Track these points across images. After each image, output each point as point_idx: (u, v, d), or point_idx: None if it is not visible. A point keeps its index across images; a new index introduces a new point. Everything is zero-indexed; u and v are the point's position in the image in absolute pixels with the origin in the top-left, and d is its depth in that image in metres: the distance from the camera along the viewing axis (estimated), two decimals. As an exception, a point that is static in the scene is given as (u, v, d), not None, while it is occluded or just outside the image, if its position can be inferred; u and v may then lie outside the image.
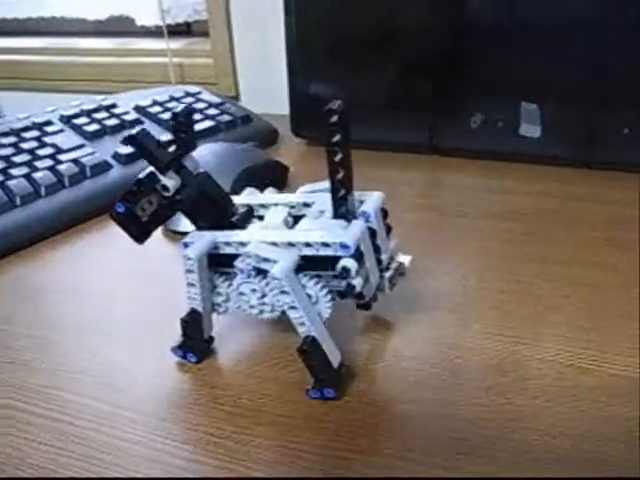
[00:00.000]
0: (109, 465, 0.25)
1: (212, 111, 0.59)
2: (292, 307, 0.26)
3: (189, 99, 0.61)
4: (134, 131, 0.27)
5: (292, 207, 0.30)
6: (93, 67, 0.83)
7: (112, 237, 0.44)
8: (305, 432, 0.26)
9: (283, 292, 0.25)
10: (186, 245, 0.29)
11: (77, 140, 0.52)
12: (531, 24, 0.49)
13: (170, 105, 0.59)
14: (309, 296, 0.26)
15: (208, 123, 0.56)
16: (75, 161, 0.49)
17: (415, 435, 0.25)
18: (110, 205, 0.47)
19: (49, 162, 0.48)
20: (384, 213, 0.28)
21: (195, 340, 0.30)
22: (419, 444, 0.25)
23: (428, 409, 0.27)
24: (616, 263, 0.37)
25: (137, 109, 0.58)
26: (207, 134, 0.55)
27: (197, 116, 0.57)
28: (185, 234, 0.43)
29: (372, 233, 0.27)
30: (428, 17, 0.52)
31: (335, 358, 0.27)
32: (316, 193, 0.30)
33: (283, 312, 0.27)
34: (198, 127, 0.55)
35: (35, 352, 0.32)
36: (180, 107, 0.28)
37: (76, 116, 0.56)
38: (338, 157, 0.25)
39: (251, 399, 0.28)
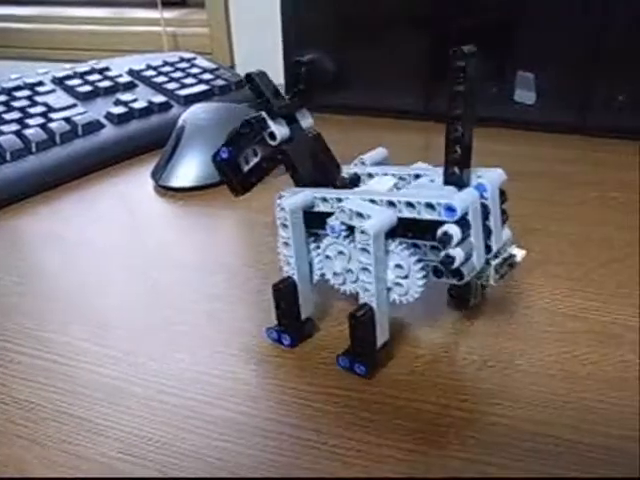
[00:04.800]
0: (95, 400, 0.25)
1: (206, 76, 0.58)
2: (365, 269, 0.23)
3: (184, 64, 0.60)
4: (253, 70, 0.26)
5: (402, 179, 0.27)
6: (86, 35, 0.82)
7: (104, 194, 0.43)
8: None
9: (364, 250, 0.23)
10: (280, 197, 0.26)
11: (69, 100, 0.52)
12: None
13: (164, 70, 0.59)
14: (400, 267, 0.23)
15: (202, 87, 0.56)
16: (67, 119, 0.48)
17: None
18: (102, 163, 0.48)
19: (40, 120, 0.48)
20: (502, 196, 0.25)
21: (290, 317, 0.27)
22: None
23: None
24: (603, 219, 0.37)
25: (131, 72, 0.58)
26: (201, 98, 0.54)
27: (191, 80, 0.57)
28: (178, 190, 0.43)
29: (485, 213, 0.24)
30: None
31: (382, 337, 0.25)
32: (432, 169, 0.27)
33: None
34: (192, 90, 0.55)
35: (24, 297, 0.32)
36: (305, 57, 0.27)
37: (68, 77, 0.55)
38: (458, 130, 0.22)
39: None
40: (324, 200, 0.26)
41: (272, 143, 0.27)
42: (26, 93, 0.52)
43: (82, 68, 0.57)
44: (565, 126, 0.50)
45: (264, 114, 0.26)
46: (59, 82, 0.55)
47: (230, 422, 0.23)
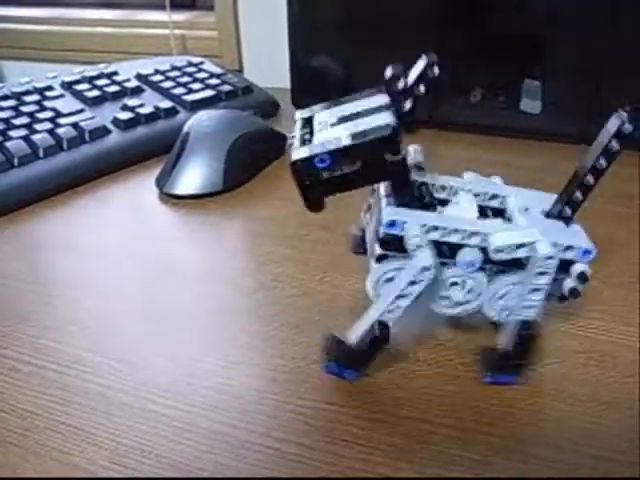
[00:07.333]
0: (89, 410, 0.25)
1: (213, 81, 0.58)
2: (537, 289, 0.25)
3: (191, 69, 0.61)
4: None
5: (476, 195, 0.27)
6: (96, 37, 0.83)
7: (110, 200, 0.44)
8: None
9: (543, 273, 0.24)
10: (393, 224, 0.23)
11: (77, 105, 0.52)
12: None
13: (172, 74, 0.59)
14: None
15: (209, 92, 0.56)
16: (74, 125, 0.49)
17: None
18: (108, 169, 0.49)
19: (48, 125, 0.48)
20: None
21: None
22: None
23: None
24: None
25: (139, 77, 0.58)
26: (207, 103, 0.55)
27: (198, 85, 0.57)
28: (181, 198, 0.43)
29: None
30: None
31: None
32: (498, 185, 0.28)
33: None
34: (198, 96, 0.55)
35: (26, 303, 0.32)
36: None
37: (77, 82, 0.56)
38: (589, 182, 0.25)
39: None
40: (455, 231, 0.24)
41: (390, 157, 0.22)
42: (35, 98, 0.52)
43: (91, 72, 0.58)
44: (571, 136, 0.50)
45: (396, 123, 0.22)
46: (68, 87, 0.55)
47: (220, 435, 0.24)
